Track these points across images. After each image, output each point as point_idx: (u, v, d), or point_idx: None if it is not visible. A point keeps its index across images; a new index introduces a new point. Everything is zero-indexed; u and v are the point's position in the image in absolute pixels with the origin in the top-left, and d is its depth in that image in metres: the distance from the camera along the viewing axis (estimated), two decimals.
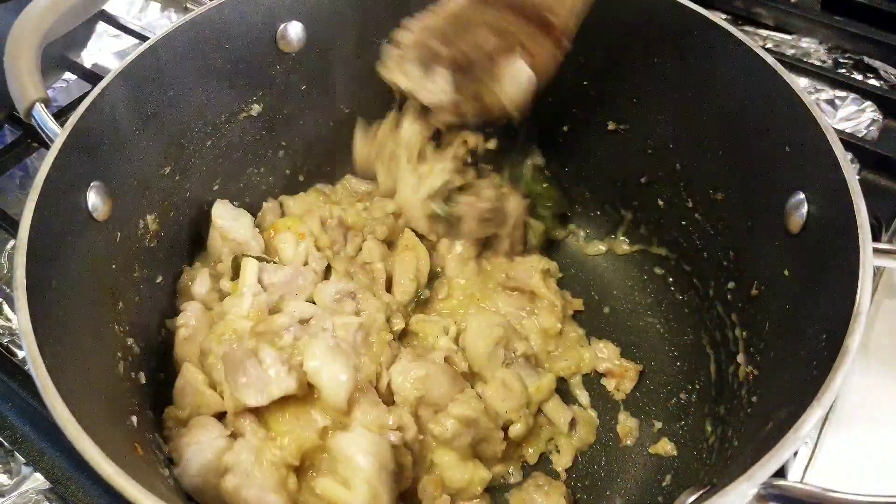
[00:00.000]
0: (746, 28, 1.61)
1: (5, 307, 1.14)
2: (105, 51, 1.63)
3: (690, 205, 1.06)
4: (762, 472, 0.58)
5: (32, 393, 0.99)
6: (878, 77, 1.50)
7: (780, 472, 0.60)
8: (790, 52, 1.55)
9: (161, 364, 0.98)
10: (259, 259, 1.04)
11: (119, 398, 0.82)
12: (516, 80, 0.94)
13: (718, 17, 0.92)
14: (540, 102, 1.16)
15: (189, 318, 0.97)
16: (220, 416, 0.90)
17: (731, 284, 0.98)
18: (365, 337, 0.97)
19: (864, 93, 1.42)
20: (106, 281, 0.86)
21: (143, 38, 1.57)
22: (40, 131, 0.86)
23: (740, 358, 0.93)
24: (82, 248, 0.82)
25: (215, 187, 1.11)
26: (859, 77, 1.49)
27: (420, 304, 1.12)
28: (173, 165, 1.01)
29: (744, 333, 0.93)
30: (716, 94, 0.95)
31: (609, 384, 1.08)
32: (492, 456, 0.96)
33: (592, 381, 1.09)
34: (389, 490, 0.83)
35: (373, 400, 0.90)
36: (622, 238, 1.21)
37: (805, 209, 0.80)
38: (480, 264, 1.16)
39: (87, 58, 1.60)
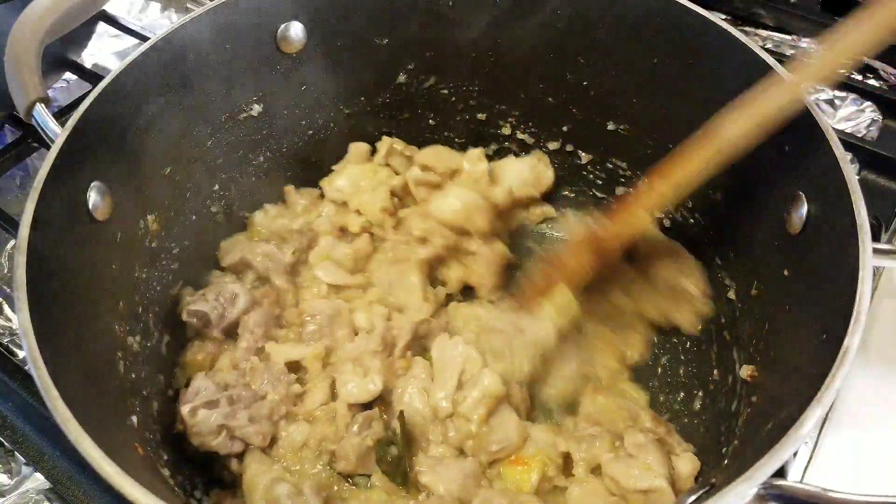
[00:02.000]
0: (746, 28, 1.61)
1: (5, 307, 1.14)
2: (105, 51, 1.64)
3: (690, 205, 1.06)
4: (762, 472, 0.58)
5: (33, 393, 0.99)
6: (878, 77, 1.50)
7: (780, 472, 0.60)
8: (790, 52, 1.55)
9: (161, 365, 0.99)
10: None
11: (119, 398, 0.83)
12: None
13: (718, 18, 0.92)
14: (539, 103, 1.17)
15: None
16: None
17: (730, 284, 0.98)
18: None
19: (864, 93, 1.43)
20: (106, 281, 0.86)
21: (143, 39, 1.57)
22: (41, 131, 0.86)
23: (740, 358, 0.93)
24: (83, 248, 0.82)
25: (216, 187, 1.11)
26: (859, 77, 1.49)
27: None
28: (174, 165, 1.01)
29: (744, 333, 0.93)
30: (716, 95, 0.94)
31: None
32: None
33: None
34: None
35: None
36: None
37: (805, 209, 0.80)
38: None
39: (88, 58, 1.60)
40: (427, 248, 1.11)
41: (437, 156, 1.21)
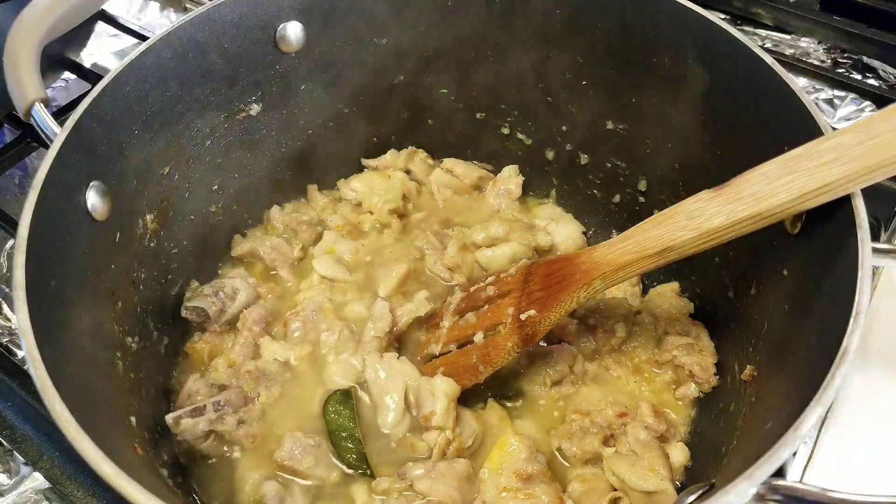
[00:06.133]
0: (745, 28, 1.61)
1: (5, 307, 1.14)
2: (104, 50, 1.63)
3: None
4: (762, 471, 0.58)
5: (32, 392, 0.99)
6: (877, 77, 1.50)
7: (780, 472, 0.60)
8: (789, 51, 1.55)
9: (160, 365, 0.99)
10: None
11: (118, 398, 0.82)
12: None
13: (717, 17, 0.92)
14: (538, 102, 1.17)
15: None
16: None
17: (729, 284, 0.98)
18: None
19: (863, 92, 1.43)
20: (105, 280, 0.86)
21: (142, 38, 1.57)
22: (39, 131, 0.86)
23: (740, 357, 0.93)
24: (81, 247, 0.82)
25: (214, 187, 1.11)
26: (858, 77, 1.50)
27: None
28: (173, 165, 1.01)
29: (743, 333, 0.93)
30: (715, 94, 0.95)
31: None
32: None
33: None
34: None
35: None
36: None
37: None
38: None
39: (87, 57, 1.60)
40: (452, 276, 1.13)
41: (462, 164, 1.27)
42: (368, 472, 0.91)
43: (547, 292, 0.93)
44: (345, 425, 0.93)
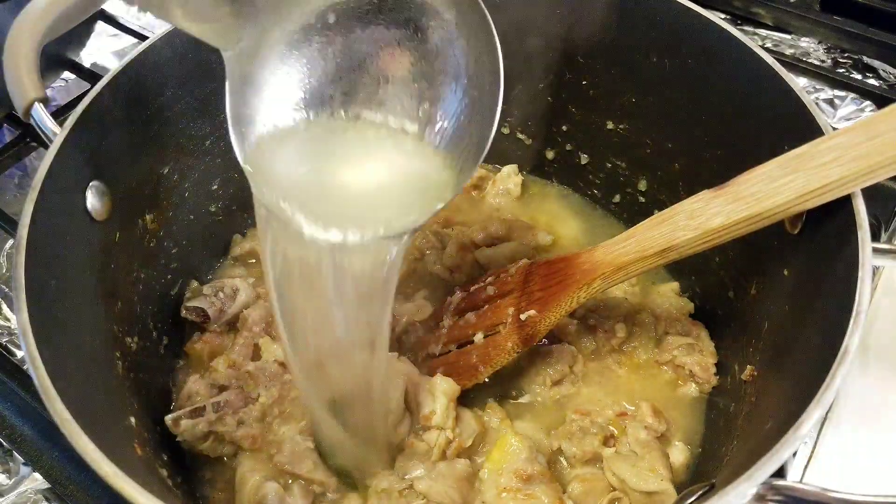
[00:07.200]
0: (745, 28, 1.61)
1: (4, 307, 1.14)
2: (104, 50, 1.63)
3: None
4: (762, 471, 0.58)
5: (31, 392, 0.99)
6: (878, 77, 1.50)
7: (780, 472, 0.60)
8: (789, 51, 1.55)
9: (160, 365, 0.99)
10: None
11: (118, 398, 0.82)
12: None
13: (717, 17, 0.92)
14: (538, 102, 1.17)
15: None
16: None
17: (729, 284, 0.98)
18: None
19: (864, 92, 1.43)
20: (105, 281, 0.86)
21: (142, 38, 1.56)
22: (39, 131, 0.85)
23: (740, 357, 0.93)
24: (81, 248, 0.82)
25: (214, 187, 1.10)
26: (858, 77, 1.50)
27: None
28: (172, 165, 1.01)
29: (743, 333, 0.93)
30: (715, 94, 0.95)
31: None
32: None
33: None
34: None
35: None
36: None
37: None
38: None
39: (86, 57, 1.60)
40: (452, 276, 1.13)
41: None
42: (364, 479, 0.90)
43: (547, 292, 0.93)
44: None
